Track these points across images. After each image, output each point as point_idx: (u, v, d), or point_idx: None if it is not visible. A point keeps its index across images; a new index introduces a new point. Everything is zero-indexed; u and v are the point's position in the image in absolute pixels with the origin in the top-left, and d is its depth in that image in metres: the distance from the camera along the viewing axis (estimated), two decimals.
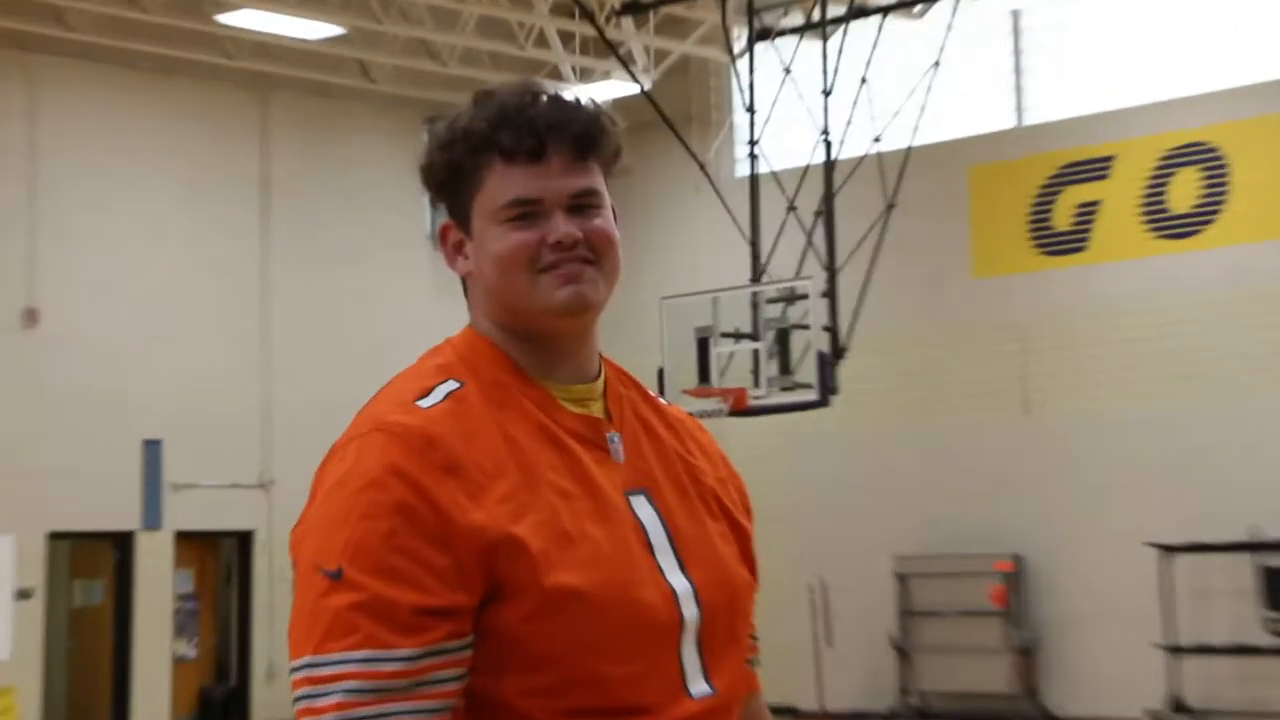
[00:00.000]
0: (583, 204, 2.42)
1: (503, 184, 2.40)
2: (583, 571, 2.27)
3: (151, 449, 20.33)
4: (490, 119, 2.41)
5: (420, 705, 2.20)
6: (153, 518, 20.35)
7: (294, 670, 2.22)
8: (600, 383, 2.49)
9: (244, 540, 21.18)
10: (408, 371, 2.43)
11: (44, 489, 19.42)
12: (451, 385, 2.38)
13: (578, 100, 2.45)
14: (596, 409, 2.46)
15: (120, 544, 20.33)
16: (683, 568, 2.38)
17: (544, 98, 2.42)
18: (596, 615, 2.26)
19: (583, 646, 2.25)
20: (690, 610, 2.35)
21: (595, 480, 2.37)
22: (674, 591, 2.35)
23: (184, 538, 20.72)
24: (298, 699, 2.21)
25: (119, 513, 20.13)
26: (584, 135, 2.42)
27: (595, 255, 2.42)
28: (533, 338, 2.44)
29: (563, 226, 2.39)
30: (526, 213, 2.39)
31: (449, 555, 2.22)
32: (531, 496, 2.30)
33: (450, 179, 2.44)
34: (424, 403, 2.34)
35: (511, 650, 2.25)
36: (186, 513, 20.57)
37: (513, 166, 2.39)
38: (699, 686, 2.36)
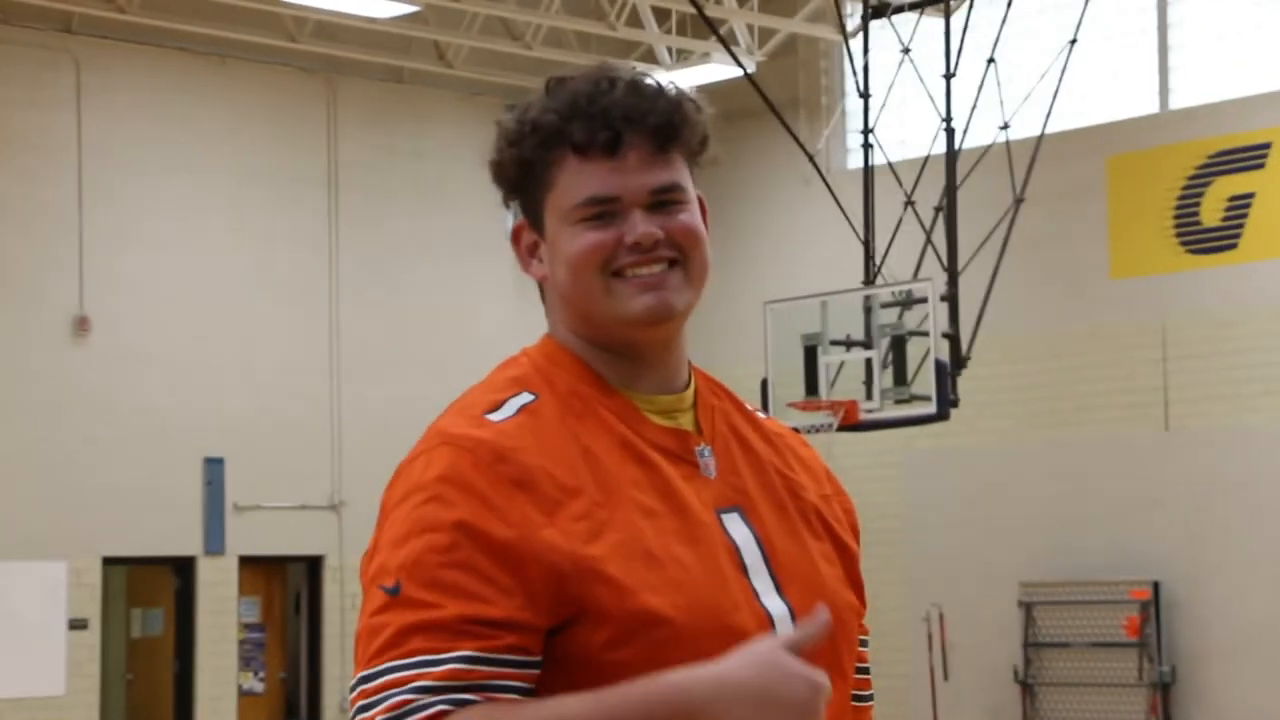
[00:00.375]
0: (665, 200, 2.43)
1: (576, 181, 2.41)
2: (669, 595, 2.29)
3: (213, 468, 20.54)
4: (561, 110, 2.41)
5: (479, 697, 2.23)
6: (215, 542, 20.57)
7: (351, 689, 2.27)
8: (689, 393, 2.51)
9: (314, 566, 21.37)
10: (479, 385, 2.46)
11: (98, 512, 19.66)
12: (525, 398, 2.41)
13: (658, 86, 2.45)
14: (685, 421, 2.48)
15: (181, 570, 20.56)
16: (779, 590, 2.39)
17: (620, 84, 2.42)
18: (684, 642, 2.27)
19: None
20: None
21: (682, 497, 2.39)
22: (770, 616, 2.36)
23: (249, 563, 20.92)
24: (354, 716, 2.25)
25: (179, 536, 20.35)
26: (664, 125, 2.42)
27: (680, 254, 2.43)
28: (612, 347, 2.46)
29: (641, 226, 2.40)
30: (602, 212, 2.40)
31: (516, 575, 2.26)
32: (611, 514, 2.32)
33: (521, 177, 2.46)
34: (494, 416, 2.37)
35: (591, 679, 2.26)
36: (251, 536, 20.77)
37: (587, 162, 2.40)
38: None
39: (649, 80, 2.45)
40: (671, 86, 2.47)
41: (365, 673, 2.24)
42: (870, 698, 2.64)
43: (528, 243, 2.51)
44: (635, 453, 2.41)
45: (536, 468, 2.33)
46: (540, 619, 2.26)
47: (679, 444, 2.45)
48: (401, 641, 2.23)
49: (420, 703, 2.19)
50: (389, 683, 2.21)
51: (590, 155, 2.41)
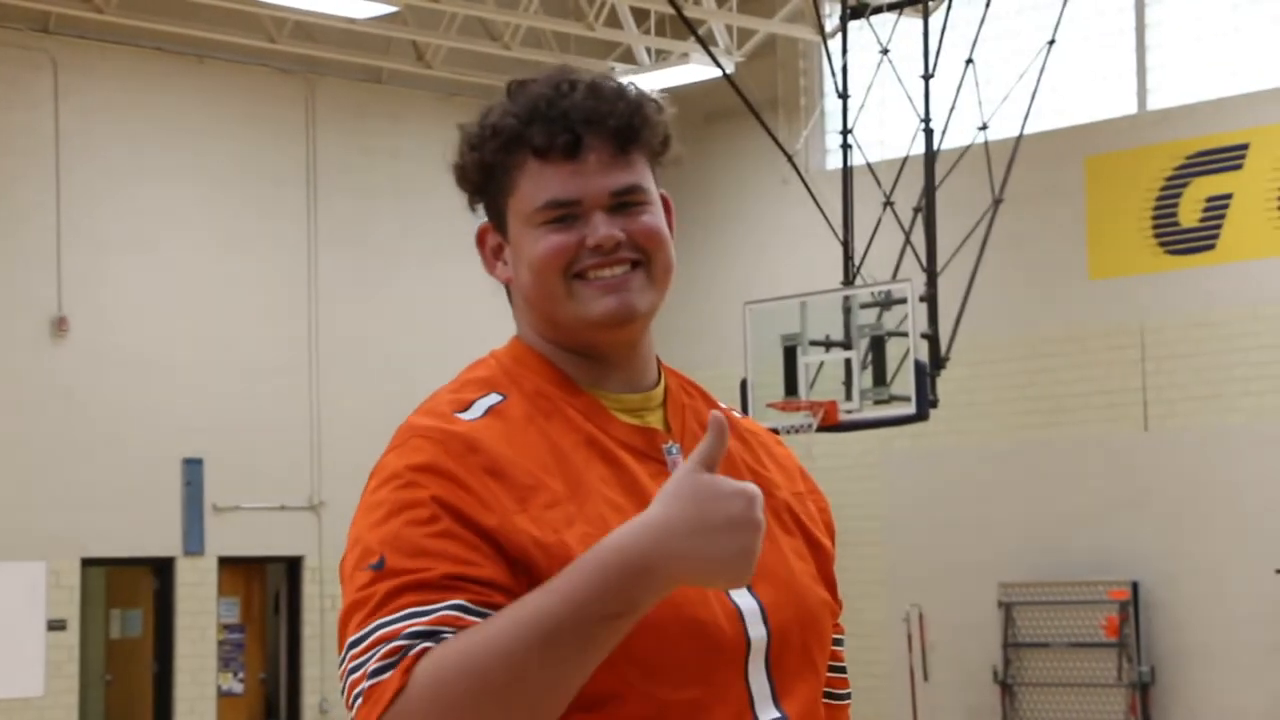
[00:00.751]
0: (626, 201, 2.44)
1: (537, 184, 2.43)
2: None
3: (192, 468, 20.53)
4: (521, 114, 2.43)
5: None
6: (194, 542, 20.56)
7: (340, 663, 2.26)
8: (659, 392, 2.53)
9: (293, 566, 21.36)
10: (447, 386, 2.48)
11: (77, 513, 19.63)
12: (493, 399, 2.43)
13: (618, 87, 2.46)
14: (654, 420, 2.49)
15: (160, 571, 20.54)
16: (749, 585, 2.38)
17: (580, 87, 2.44)
18: (650, 634, 2.27)
19: (637, 669, 2.28)
20: (757, 630, 2.37)
21: (649, 494, 2.37)
22: (739, 610, 2.37)
23: (228, 564, 20.91)
24: (346, 680, 2.24)
25: (158, 537, 20.33)
26: (624, 127, 2.43)
27: (642, 255, 2.45)
28: (577, 349, 2.47)
29: (603, 228, 2.41)
30: (564, 215, 2.42)
31: (495, 548, 2.27)
32: (579, 508, 2.34)
33: (483, 180, 2.48)
34: (464, 416, 2.39)
35: None
36: (230, 537, 20.76)
37: (547, 165, 2.42)
38: (769, 713, 2.38)
39: (609, 82, 2.46)
40: (632, 88, 2.48)
41: (354, 637, 2.24)
42: (847, 696, 2.65)
43: (492, 245, 2.54)
44: (602, 450, 2.42)
45: (507, 459, 2.35)
46: (522, 591, 2.25)
47: (646, 442, 2.47)
48: (390, 601, 2.23)
49: (413, 645, 2.19)
50: (380, 637, 2.21)
51: (550, 158, 2.42)
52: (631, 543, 2.18)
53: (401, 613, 2.21)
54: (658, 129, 2.48)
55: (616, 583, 2.17)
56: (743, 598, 2.39)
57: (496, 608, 2.22)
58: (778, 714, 2.39)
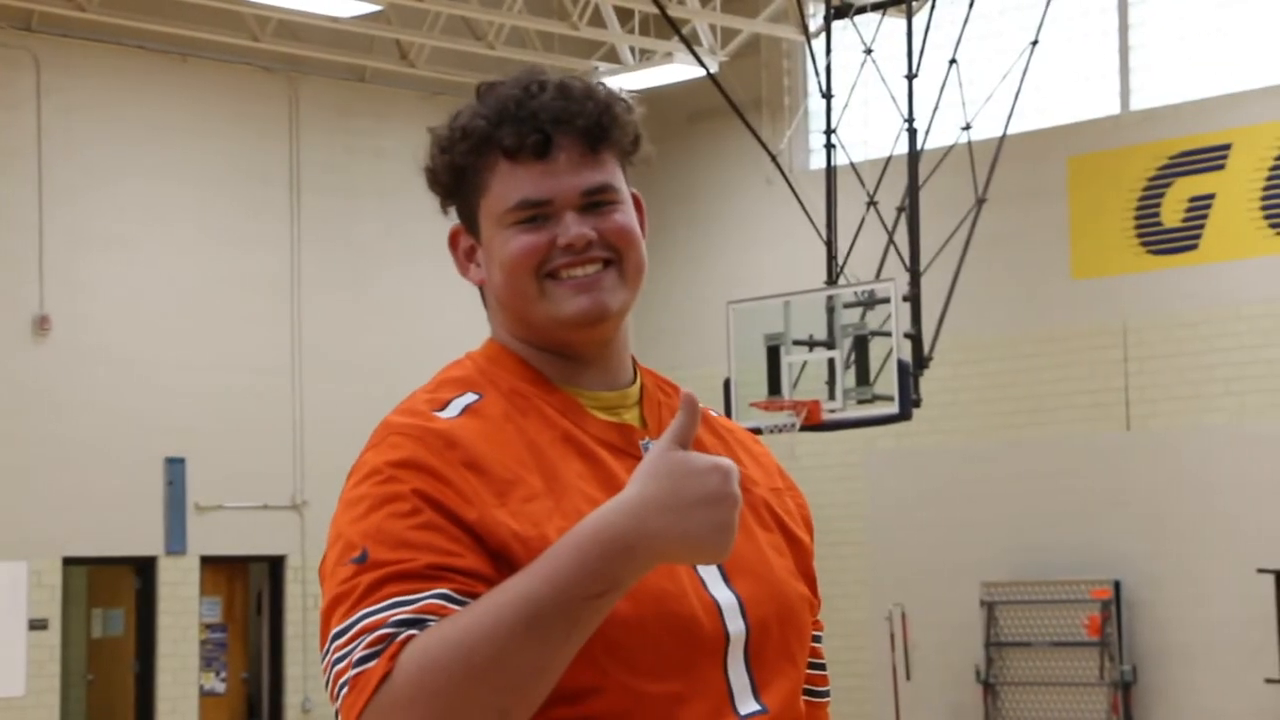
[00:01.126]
0: (597, 201, 2.45)
1: (508, 185, 2.44)
2: None
3: (174, 468, 20.51)
4: (490, 115, 2.45)
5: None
6: (176, 542, 20.55)
7: (324, 655, 2.26)
8: (634, 389, 2.54)
9: (275, 566, 21.36)
10: (423, 387, 2.49)
11: (59, 512, 19.61)
12: (470, 398, 2.44)
13: (587, 87, 2.48)
14: (630, 417, 2.51)
15: (142, 570, 20.53)
16: (727, 580, 2.41)
17: (549, 87, 2.45)
18: (629, 628, 2.29)
19: (616, 662, 2.30)
20: (736, 624, 2.39)
21: None
22: (717, 604, 2.38)
23: (210, 563, 20.90)
24: (330, 671, 2.24)
25: (140, 537, 20.32)
26: (594, 126, 2.44)
27: (614, 254, 2.46)
28: (551, 348, 2.49)
29: (574, 228, 2.43)
30: (535, 215, 2.43)
31: (476, 540, 2.28)
32: (557, 503, 2.35)
33: (454, 182, 2.49)
34: (441, 414, 2.41)
35: None
36: (213, 536, 20.74)
37: (517, 165, 2.43)
38: (748, 706, 2.39)
39: (577, 82, 2.48)
40: (601, 87, 2.49)
41: (338, 628, 2.25)
42: (827, 693, 2.67)
43: (464, 248, 2.54)
44: (578, 446, 2.44)
45: (485, 455, 2.36)
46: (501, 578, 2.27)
47: (622, 438, 2.48)
48: (374, 592, 2.24)
49: (398, 633, 2.20)
50: (365, 627, 2.22)
51: (520, 159, 2.43)
52: (610, 523, 2.20)
53: (386, 602, 2.22)
54: (627, 128, 2.49)
55: (597, 563, 2.18)
56: (721, 592, 2.41)
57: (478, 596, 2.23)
58: (758, 707, 2.41)
